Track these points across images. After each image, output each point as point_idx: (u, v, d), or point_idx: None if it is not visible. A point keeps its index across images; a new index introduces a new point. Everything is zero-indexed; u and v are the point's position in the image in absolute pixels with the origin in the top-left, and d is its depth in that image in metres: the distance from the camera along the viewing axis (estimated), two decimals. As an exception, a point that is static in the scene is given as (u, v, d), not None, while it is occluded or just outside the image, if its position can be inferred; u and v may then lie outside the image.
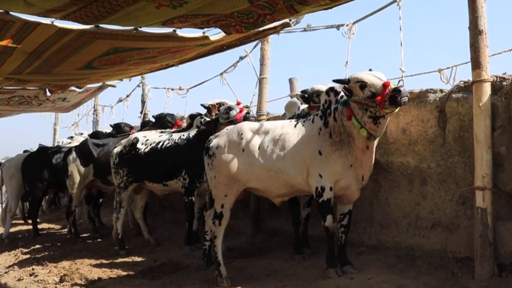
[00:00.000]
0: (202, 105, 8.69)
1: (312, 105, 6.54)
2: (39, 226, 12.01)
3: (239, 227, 8.56)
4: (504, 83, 5.26)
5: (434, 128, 5.86)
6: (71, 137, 15.10)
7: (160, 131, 8.86)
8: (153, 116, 10.22)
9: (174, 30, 5.56)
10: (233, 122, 7.13)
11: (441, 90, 5.95)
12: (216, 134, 6.53)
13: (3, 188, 12.24)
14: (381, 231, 6.56)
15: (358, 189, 5.80)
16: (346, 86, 5.38)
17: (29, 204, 12.43)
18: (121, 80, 9.97)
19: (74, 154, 10.12)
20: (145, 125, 10.39)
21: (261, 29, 5.67)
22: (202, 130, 7.83)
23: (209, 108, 8.57)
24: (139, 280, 6.71)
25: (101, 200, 11.72)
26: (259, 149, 5.94)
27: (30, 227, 11.75)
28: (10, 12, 4.68)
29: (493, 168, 5.12)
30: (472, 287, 4.93)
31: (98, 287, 6.56)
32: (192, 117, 8.43)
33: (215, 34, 5.98)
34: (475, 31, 5.13)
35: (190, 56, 7.21)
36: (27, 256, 9.10)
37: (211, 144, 6.31)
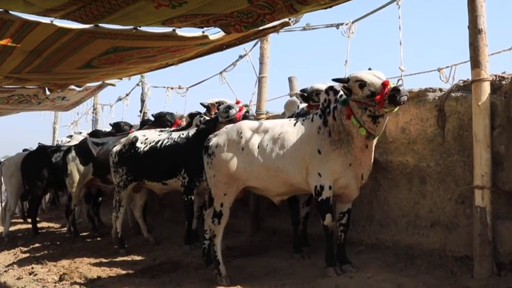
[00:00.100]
0: (201, 104, 8.69)
1: (312, 104, 6.54)
2: (39, 225, 12.02)
3: (238, 226, 8.56)
4: (503, 82, 5.26)
5: (433, 127, 5.86)
6: (70, 136, 15.11)
7: (159, 129, 8.86)
8: (152, 115, 10.22)
9: (174, 30, 5.56)
10: (232, 120, 7.13)
11: (440, 89, 5.95)
12: (216, 132, 6.53)
13: (3, 187, 12.24)
14: (380, 230, 6.56)
15: (357, 188, 5.80)
16: (345, 85, 5.38)
17: (28, 203, 12.43)
18: (121, 78, 9.96)
19: (73, 153, 10.13)
20: (145, 124, 10.40)
21: (260, 28, 5.67)
22: (202, 129, 7.83)
23: (208, 107, 8.57)
24: (138, 279, 6.71)
25: (100, 199, 11.72)
26: (258, 147, 5.94)
27: (30, 225, 11.75)
28: (10, 12, 4.68)
29: (492, 167, 5.13)
30: (471, 286, 4.93)
31: (98, 286, 6.56)
32: (192, 116, 8.43)
33: (214, 33, 5.98)
34: (475, 30, 5.13)
35: (189, 55, 7.21)
36: (27, 255, 9.10)
37: (210, 143, 6.31)
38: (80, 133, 14.55)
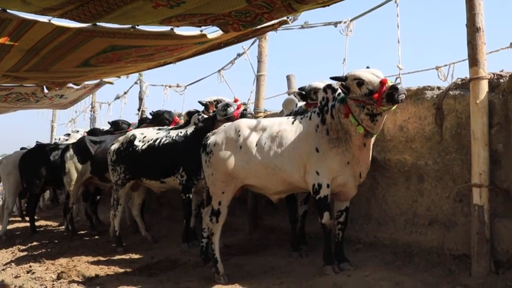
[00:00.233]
0: (199, 102, 8.69)
1: (310, 103, 6.54)
2: (37, 223, 12.03)
3: (236, 224, 8.56)
4: (501, 80, 5.26)
5: (431, 125, 5.86)
6: (68, 134, 15.09)
7: (157, 128, 8.85)
8: (150, 113, 10.21)
9: (172, 29, 5.56)
10: (230, 119, 7.13)
11: (438, 88, 5.95)
12: (214, 131, 6.53)
13: (1, 185, 12.23)
14: (378, 228, 6.56)
15: (355, 186, 5.80)
16: (343, 83, 5.37)
17: (26, 201, 12.42)
18: (119, 77, 9.96)
19: (71, 151, 10.11)
20: (143, 122, 10.38)
21: (258, 26, 5.67)
22: (200, 127, 7.83)
23: (206, 105, 8.56)
24: (136, 277, 6.70)
25: (98, 197, 11.71)
26: (256, 146, 5.94)
27: (28, 224, 11.77)
28: (7, 10, 4.67)
29: (490, 165, 5.13)
30: (468, 284, 4.93)
31: (96, 284, 6.55)
32: (190, 114, 8.43)
33: (212, 32, 5.98)
34: (473, 28, 5.13)
35: (187, 54, 7.21)
36: (25, 253, 9.10)
37: (208, 141, 6.31)
38: (78, 131, 14.53)
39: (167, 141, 8.18)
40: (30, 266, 7.87)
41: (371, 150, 5.67)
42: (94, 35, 5.54)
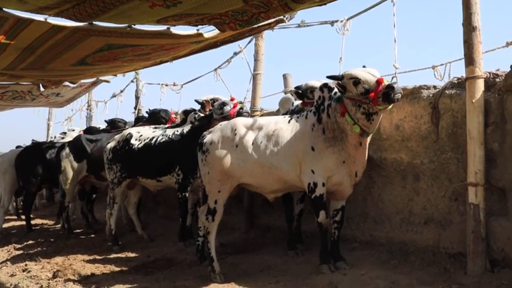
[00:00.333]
0: (196, 100, 8.68)
1: (306, 101, 6.55)
2: (33, 222, 12.01)
3: (232, 223, 8.56)
4: (497, 80, 5.27)
5: (427, 124, 5.87)
6: (64, 133, 15.08)
7: (153, 126, 8.85)
8: (147, 112, 10.21)
9: (168, 28, 5.56)
10: (227, 117, 7.13)
11: (434, 87, 5.96)
12: (210, 129, 6.53)
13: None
14: (374, 227, 6.57)
15: (351, 185, 5.81)
16: (340, 82, 5.38)
17: (22, 199, 12.41)
18: (115, 75, 9.95)
19: (67, 150, 10.11)
20: (139, 121, 10.38)
21: (255, 25, 5.67)
22: (196, 126, 7.84)
23: (203, 104, 8.56)
24: (132, 276, 6.71)
25: (94, 196, 11.72)
26: (252, 144, 5.94)
27: (24, 222, 11.77)
28: (3, 9, 4.66)
29: (486, 164, 5.14)
30: (464, 283, 4.94)
31: (91, 283, 6.55)
32: (186, 112, 8.43)
33: (209, 31, 5.98)
34: (469, 27, 5.13)
35: (184, 53, 7.20)
36: (20, 252, 9.09)
37: (204, 140, 6.31)
38: (74, 130, 14.53)
39: (163, 139, 8.17)
40: (26, 265, 7.87)
41: (367, 149, 5.68)
42: (90, 34, 5.53)
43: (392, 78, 6.77)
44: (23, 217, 12.14)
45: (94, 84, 11.40)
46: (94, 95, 17.87)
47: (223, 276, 6.02)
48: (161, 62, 7.95)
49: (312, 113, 5.80)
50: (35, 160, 11.08)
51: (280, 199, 6.66)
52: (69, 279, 6.80)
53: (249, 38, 8.57)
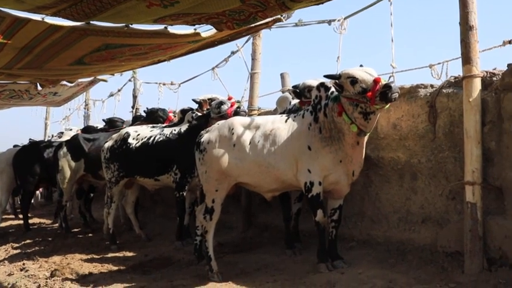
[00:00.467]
0: (193, 100, 8.69)
1: (304, 100, 6.54)
2: (30, 221, 11.99)
3: (230, 222, 8.57)
4: (494, 79, 5.27)
5: (424, 123, 5.87)
6: (61, 133, 15.08)
7: (151, 125, 8.85)
8: (144, 111, 10.21)
9: (165, 27, 5.56)
10: (224, 116, 7.12)
11: (431, 86, 5.96)
12: (207, 129, 6.53)
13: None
14: (372, 226, 6.57)
15: (348, 184, 5.81)
16: (337, 81, 5.38)
17: (20, 198, 12.40)
18: (113, 74, 9.95)
19: (64, 149, 10.11)
20: (137, 120, 10.37)
21: (252, 25, 5.67)
22: (194, 125, 7.84)
23: (200, 103, 8.56)
24: (130, 275, 6.70)
25: (92, 195, 11.71)
26: (250, 144, 5.94)
27: (21, 221, 11.75)
28: (0, 9, 4.67)
29: (483, 163, 5.14)
30: (461, 281, 4.94)
31: (89, 282, 6.54)
32: (184, 112, 8.43)
33: (206, 30, 5.99)
34: (466, 26, 5.13)
35: (181, 52, 7.20)
36: (18, 251, 9.09)
37: (202, 139, 6.31)
38: (71, 130, 14.53)
39: (161, 139, 8.17)
40: (23, 264, 7.86)
41: (364, 149, 5.68)
42: (87, 34, 5.53)
43: (389, 77, 6.80)
44: (21, 216, 12.13)
45: (92, 83, 11.39)
46: (92, 94, 17.90)
47: (221, 275, 6.02)
48: (158, 61, 7.95)
49: (309, 112, 5.80)
50: (32, 159, 11.08)
51: (278, 198, 6.66)
52: (67, 278, 6.80)
53: (247, 37, 8.58)
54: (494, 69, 5.37)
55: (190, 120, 8.04)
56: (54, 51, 6.14)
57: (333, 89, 5.57)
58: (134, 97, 13.82)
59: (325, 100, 5.68)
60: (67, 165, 10.01)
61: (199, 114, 8.06)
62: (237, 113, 7.24)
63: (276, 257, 6.62)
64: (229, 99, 7.76)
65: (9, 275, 7.33)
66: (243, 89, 9.38)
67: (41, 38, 5.63)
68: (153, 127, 8.67)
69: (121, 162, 8.48)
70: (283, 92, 9.10)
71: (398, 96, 5.21)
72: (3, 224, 12.12)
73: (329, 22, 7.94)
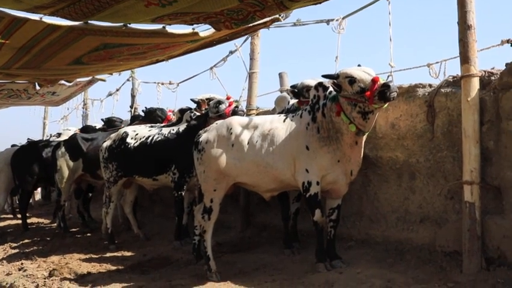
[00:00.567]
0: (192, 100, 8.68)
1: (302, 100, 6.54)
2: (29, 221, 11.98)
3: (228, 222, 8.57)
4: (492, 78, 5.28)
5: (423, 123, 5.87)
6: (59, 134, 15.06)
7: (149, 125, 8.84)
8: (143, 111, 10.21)
9: (164, 27, 5.55)
10: (222, 116, 7.13)
11: (430, 85, 5.96)
12: (206, 128, 6.53)
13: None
14: (370, 225, 6.58)
15: (346, 184, 5.81)
16: (335, 81, 5.38)
17: (18, 198, 12.39)
18: (111, 74, 9.95)
19: (63, 148, 10.09)
20: (135, 120, 10.37)
21: (250, 24, 5.67)
22: (192, 125, 7.83)
23: (199, 103, 8.56)
24: (128, 275, 6.70)
25: (90, 195, 11.69)
26: (248, 143, 5.94)
27: (19, 221, 11.73)
28: (-2, 8, 4.67)
29: (481, 162, 5.15)
30: (460, 281, 4.94)
31: (88, 282, 6.53)
32: (182, 111, 8.42)
33: (205, 30, 5.99)
34: (464, 26, 5.14)
35: (179, 52, 7.20)
36: (16, 251, 9.08)
37: (200, 139, 6.30)
38: (69, 130, 14.52)
39: (159, 138, 8.17)
40: (22, 264, 7.86)
41: (362, 148, 5.68)
42: (85, 33, 5.53)
43: (388, 76, 6.80)
44: (19, 216, 12.12)
45: (90, 82, 11.40)
46: (90, 93, 17.87)
47: (219, 274, 6.01)
48: (157, 61, 7.95)
49: (307, 112, 5.80)
50: (31, 159, 11.07)
51: (276, 198, 6.66)
52: (65, 278, 6.79)
53: (245, 37, 8.57)
54: (493, 68, 5.38)
55: (188, 120, 8.04)
56: (52, 51, 6.14)
57: (331, 88, 5.57)
58: (133, 97, 13.81)
59: (323, 100, 5.68)
60: (65, 164, 10.01)
61: (198, 113, 8.06)
62: (235, 112, 7.24)
63: (274, 257, 6.62)
64: (228, 98, 7.76)
65: (8, 274, 7.32)
66: (241, 88, 9.39)
67: (39, 38, 5.63)
68: (151, 127, 8.67)
69: (120, 161, 8.47)
70: (281, 92, 9.09)
71: (397, 95, 5.22)
72: (2, 224, 12.13)
73: (327, 22, 7.94)
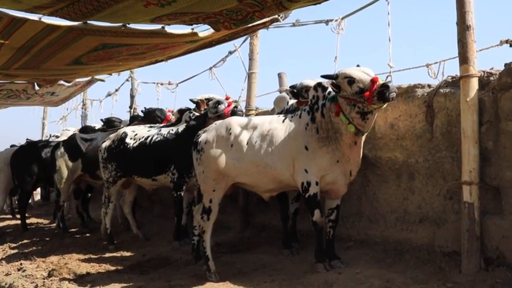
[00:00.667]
0: (191, 100, 8.67)
1: (301, 100, 6.53)
2: (28, 221, 11.97)
3: (228, 222, 8.56)
4: (491, 78, 5.28)
5: (422, 123, 5.87)
6: (57, 137, 15.06)
7: (148, 125, 8.84)
8: (142, 111, 10.20)
9: (163, 27, 5.55)
10: (221, 116, 7.12)
11: (429, 86, 5.96)
12: (205, 128, 6.53)
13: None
14: (369, 226, 6.58)
15: (345, 184, 5.81)
16: (334, 81, 5.38)
17: (17, 198, 12.39)
18: (110, 74, 9.95)
19: (62, 149, 10.09)
20: (134, 120, 10.37)
21: (249, 25, 5.67)
22: (191, 125, 7.83)
23: (198, 103, 8.55)
24: (127, 275, 6.70)
25: (89, 195, 11.70)
26: (247, 144, 5.94)
27: (19, 221, 11.74)
28: (-3, 8, 4.67)
29: (480, 162, 5.15)
30: (459, 281, 4.95)
31: (87, 282, 6.54)
32: (181, 112, 8.42)
33: (204, 30, 5.99)
34: (463, 26, 5.14)
35: (179, 52, 7.20)
36: (16, 251, 9.07)
37: (199, 139, 6.30)
38: (68, 130, 14.51)
39: (158, 138, 8.17)
40: (21, 264, 7.86)
41: (361, 149, 5.68)
42: (84, 33, 5.53)
43: (387, 77, 6.79)
44: (18, 216, 12.12)
45: (89, 83, 11.40)
46: (89, 93, 17.84)
47: (218, 275, 6.01)
48: (156, 62, 7.95)
49: (306, 112, 5.80)
50: (30, 159, 11.07)
51: (275, 198, 6.65)
52: (64, 278, 6.80)
53: (244, 37, 8.57)
54: (491, 68, 5.38)
55: (187, 120, 8.04)
56: (51, 51, 6.14)
57: (330, 89, 5.56)
58: (132, 97, 13.80)
59: (322, 100, 5.68)
60: (64, 165, 10.00)
61: (197, 114, 8.05)
62: (234, 112, 7.24)
63: (273, 257, 6.62)
64: (227, 99, 7.76)
65: (7, 275, 7.32)
66: (240, 89, 9.38)
67: (38, 38, 5.63)
68: (151, 127, 8.66)
69: (119, 162, 8.47)
70: (280, 92, 9.09)
71: (396, 95, 5.22)
72: (1, 224, 12.14)
73: (327, 22, 7.94)
